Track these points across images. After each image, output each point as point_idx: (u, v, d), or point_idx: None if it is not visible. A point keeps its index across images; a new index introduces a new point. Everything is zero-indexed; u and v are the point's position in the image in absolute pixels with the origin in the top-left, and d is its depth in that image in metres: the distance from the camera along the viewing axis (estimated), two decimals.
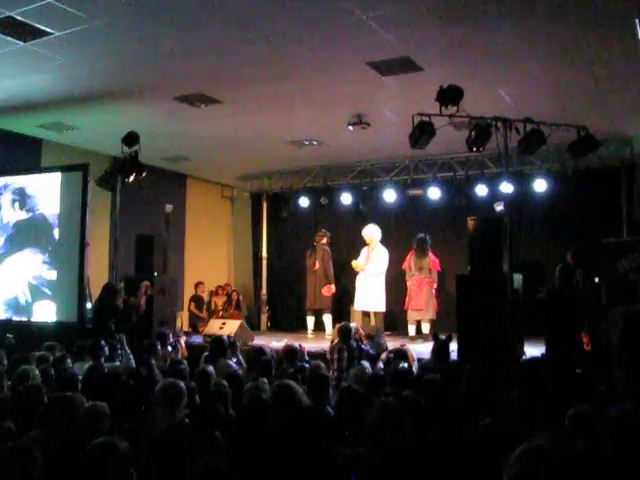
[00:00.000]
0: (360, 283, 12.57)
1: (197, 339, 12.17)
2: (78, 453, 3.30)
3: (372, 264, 12.52)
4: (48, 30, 7.19)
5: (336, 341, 8.80)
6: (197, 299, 14.76)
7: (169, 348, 9.12)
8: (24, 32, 7.24)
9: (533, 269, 11.32)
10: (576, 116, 8.97)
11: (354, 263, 12.72)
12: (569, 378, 6.83)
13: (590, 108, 9.64)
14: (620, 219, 11.49)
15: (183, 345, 9.85)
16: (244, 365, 7.94)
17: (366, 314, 12.41)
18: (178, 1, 6.50)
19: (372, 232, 12.70)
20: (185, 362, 7.34)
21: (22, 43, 7.55)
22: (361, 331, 9.61)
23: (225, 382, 5.44)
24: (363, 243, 12.87)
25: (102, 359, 7.30)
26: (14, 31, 7.22)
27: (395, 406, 4.06)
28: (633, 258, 8.74)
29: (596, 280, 9.45)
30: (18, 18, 6.87)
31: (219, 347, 7.93)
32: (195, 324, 14.37)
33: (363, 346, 8.72)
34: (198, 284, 14.78)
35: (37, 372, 5.94)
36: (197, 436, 3.90)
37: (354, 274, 12.87)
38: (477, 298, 8.31)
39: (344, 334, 8.56)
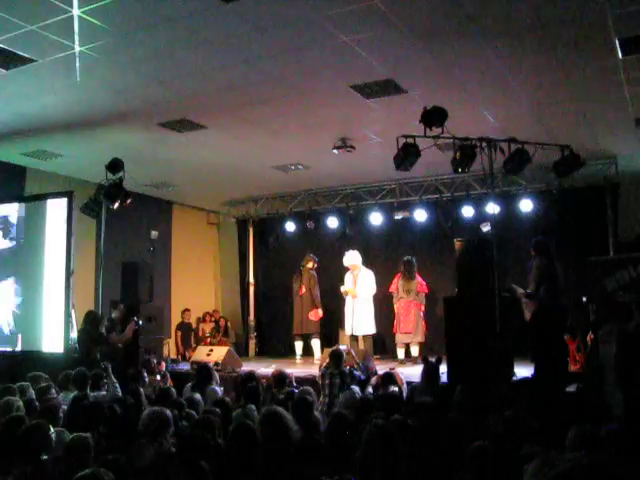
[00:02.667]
0: (349, 307, 12.52)
1: (184, 366, 12.06)
2: None
3: (360, 289, 12.50)
4: (31, 57, 7.16)
5: (325, 364, 8.72)
6: (184, 326, 14.65)
7: (157, 377, 9.04)
8: (7, 60, 7.18)
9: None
10: (560, 136, 9.02)
11: (345, 289, 12.65)
12: (559, 398, 6.80)
13: (574, 128, 9.68)
14: (606, 237, 11.52)
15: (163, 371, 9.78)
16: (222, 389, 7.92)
17: (354, 338, 12.34)
18: (160, 27, 6.48)
19: (354, 259, 12.69)
20: (173, 390, 7.28)
21: (4, 71, 7.50)
22: (353, 354, 9.55)
23: (215, 409, 5.37)
24: (346, 268, 12.86)
25: (87, 388, 7.21)
26: None
27: (385, 429, 3.99)
28: (621, 276, 8.74)
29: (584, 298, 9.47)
30: (0, 46, 6.83)
31: (205, 374, 7.87)
32: (185, 351, 14.27)
33: (355, 372, 8.63)
34: (184, 311, 14.67)
35: (21, 403, 5.83)
36: (183, 466, 3.81)
37: (341, 298, 12.84)
38: (465, 320, 8.25)
39: (336, 359, 8.46)
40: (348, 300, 12.62)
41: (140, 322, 10.09)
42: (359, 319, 12.29)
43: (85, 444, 4.08)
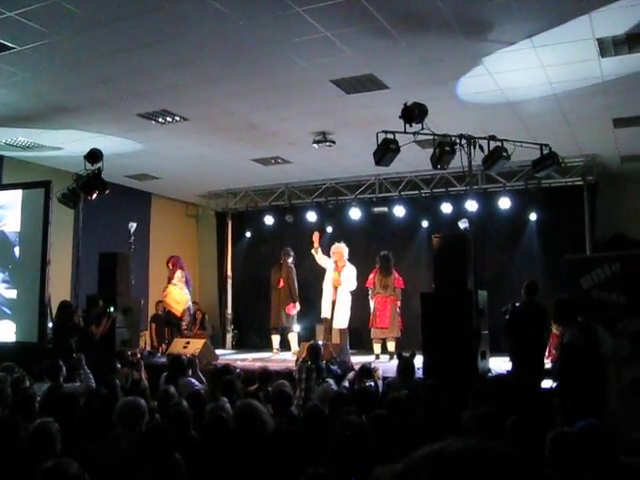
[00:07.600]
0: (327, 294, 12.11)
1: (161, 359, 12.00)
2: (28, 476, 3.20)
3: (345, 284, 12.12)
4: (9, 44, 7.09)
5: (302, 358, 8.72)
6: (158, 318, 14.56)
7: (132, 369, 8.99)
8: None
9: (497, 286, 11.40)
10: (539, 134, 9.07)
11: (334, 277, 12.15)
12: (534, 394, 6.85)
13: (554, 127, 9.73)
14: (583, 236, 11.60)
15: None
16: (204, 382, 7.86)
17: (328, 331, 12.10)
18: (139, 18, 6.44)
19: (343, 249, 12.33)
20: (146, 382, 7.25)
21: None
22: (330, 348, 9.52)
23: (185, 402, 5.35)
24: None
25: (61, 379, 7.15)
26: None
27: (359, 424, 4.00)
28: (597, 274, 8.82)
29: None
30: None
31: (178, 366, 7.84)
32: (161, 343, 14.18)
33: (332, 367, 8.61)
34: (159, 303, 14.58)
35: None
36: (155, 459, 3.80)
37: (319, 291, 12.66)
38: (442, 316, 8.29)
39: (313, 353, 8.44)
40: (327, 287, 12.19)
41: (112, 311, 9.98)
42: (337, 311, 12.12)
43: (50, 430, 4.04)
